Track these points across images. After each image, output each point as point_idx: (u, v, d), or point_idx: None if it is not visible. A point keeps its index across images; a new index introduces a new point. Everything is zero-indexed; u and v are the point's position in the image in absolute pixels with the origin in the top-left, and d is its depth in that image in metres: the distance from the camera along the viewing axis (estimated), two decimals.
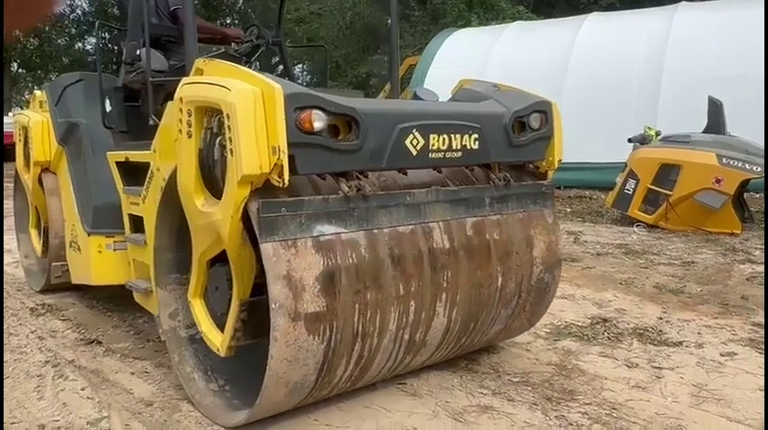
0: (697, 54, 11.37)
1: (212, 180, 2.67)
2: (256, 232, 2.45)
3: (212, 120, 2.63)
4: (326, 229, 2.57)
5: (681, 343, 3.94)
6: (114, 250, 4.01)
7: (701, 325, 4.30)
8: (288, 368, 2.50)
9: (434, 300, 2.92)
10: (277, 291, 2.40)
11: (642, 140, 9.25)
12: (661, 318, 4.46)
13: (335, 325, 2.56)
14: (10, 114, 20.56)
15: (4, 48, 30.78)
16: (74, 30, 32.32)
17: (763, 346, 3.83)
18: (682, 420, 2.94)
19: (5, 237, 7.41)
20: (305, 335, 2.48)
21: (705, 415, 3.00)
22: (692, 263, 6.28)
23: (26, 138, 4.92)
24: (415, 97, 3.63)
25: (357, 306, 2.62)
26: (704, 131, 8.19)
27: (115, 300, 4.77)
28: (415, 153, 2.81)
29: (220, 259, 2.83)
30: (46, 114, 4.75)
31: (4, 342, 3.98)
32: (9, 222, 7.43)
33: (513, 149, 3.20)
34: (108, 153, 3.93)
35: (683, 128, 8.64)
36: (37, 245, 5.30)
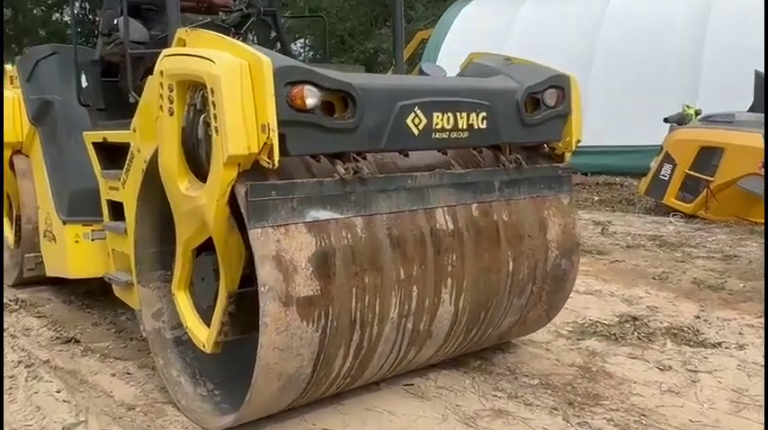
0: (743, 23, 11.24)
1: (197, 161, 2.73)
2: (244, 217, 2.52)
3: (196, 95, 2.69)
4: (320, 215, 2.63)
5: (720, 344, 3.97)
6: (92, 240, 4.08)
7: (743, 324, 4.33)
8: (280, 358, 2.57)
9: (439, 286, 2.98)
10: (266, 273, 2.47)
11: (680, 120, 9.22)
12: (698, 317, 4.50)
13: (331, 310, 2.63)
14: None
15: None
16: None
17: None
18: (719, 428, 2.97)
19: None
20: (297, 322, 2.54)
21: (745, 423, 3.02)
22: (735, 256, 6.29)
23: None
24: (421, 73, 3.66)
25: (354, 290, 2.69)
26: (749, 110, 8.15)
27: (94, 294, 4.86)
28: (417, 133, 2.86)
29: (206, 248, 2.90)
30: (17, 91, 4.82)
31: None
32: None
33: (525, 129, 3.23)
34: (84, 133, 4.00)
35: (725, 106, 8.60)
36: (9, 235, 5.39)
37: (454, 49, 13.49)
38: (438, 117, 2.90)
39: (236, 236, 2.72)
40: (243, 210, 2.52)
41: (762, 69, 8.21)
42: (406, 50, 14.46)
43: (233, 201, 2.58)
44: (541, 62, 3.52)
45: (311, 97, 2.53)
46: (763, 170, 7.33)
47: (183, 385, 3.20)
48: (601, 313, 4.56)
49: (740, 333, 4.16)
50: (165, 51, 2.89)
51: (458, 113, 2.97)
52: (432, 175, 2.99)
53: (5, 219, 5.48)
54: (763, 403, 3.17)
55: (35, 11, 32.47)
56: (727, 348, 3.91)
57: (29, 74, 4.68)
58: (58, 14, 32.71)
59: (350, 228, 2.70)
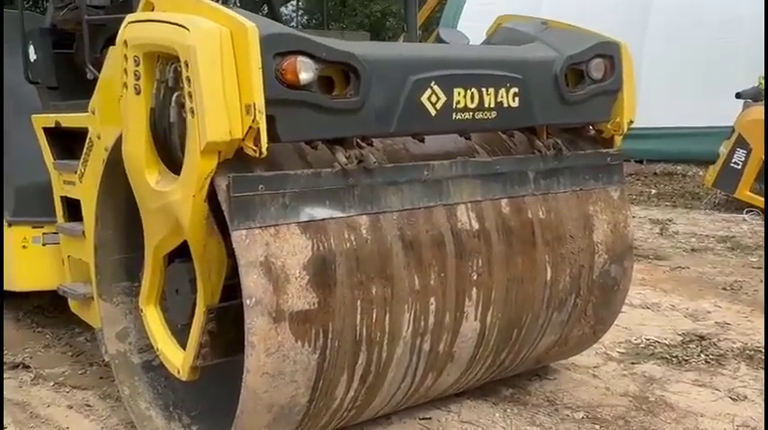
0: None
1: (169, 149, 2.75)
2: (226, 216, 2.53)
3: (167, 70, 2.70)
4: (318, 213, 2.64)
5: None
6: (43, 244, 4.12)
7: None
8: (270, 385, 2.58)
9: (462, 298, 2.99)
10: (252, 283, 2.48)
11: (756, 96, 9.18)
12: None
13: (331, 327, 2.64)
14: None
15: None
16: None
17: None
18: None
19: None
20: (291, 341, 2.56)
21: None
22: None
23: None
24: (439, 40, 3.67)
25: (359, 303, 2.70)
26: None
27: (46, 310, 4.91)
28: (434, 113, 2.87)
29: (181, 254, 2.92)
30: None
31: None
32: None
33: (566, 107, 3.24)
34: (33, 116, 4.03)
35: None
36: None
37: (478, 11, 13.47)
38: (459, 94, 2.91)
39: (217, 238, 2.73)
40: (224, 208, 2.53)
41: None
42: (420, 13, 14.47)
43: (212, 196, 2.59)
44: (575, 26, 3.51)
45: (306, 71, 2.54)
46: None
47: (153, 419, 3.23)
48: (660, 331, 4.57)
49: None
50: (129, 17, 2.90)
51: (483, 89, 2.97)
52: (452, 165, 2.99)
53: None
54: None
55: None
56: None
57: None
58: None
59: (353, 228, 2.72)
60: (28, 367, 4.12)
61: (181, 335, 3.04)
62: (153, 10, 2.90)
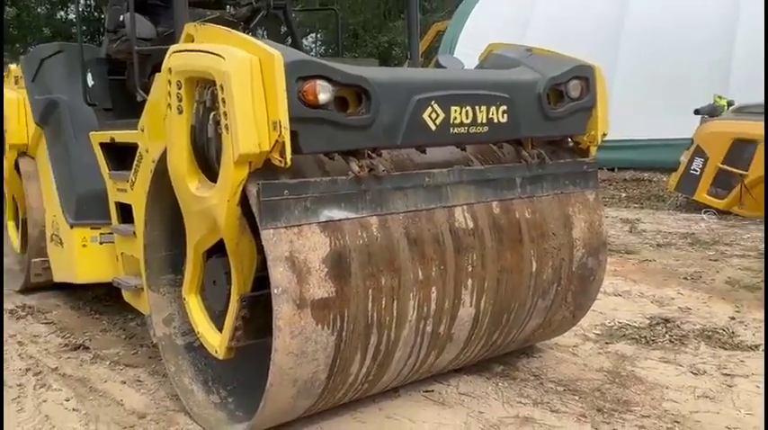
0: None
1: (207, 161, 2.76)
2: (256, 218, 2.54)
3: (205, 92, 2.71)
4: (335, 214, 2.64)
5: (757, 346, 3.94)
6: (100, 243, 4.13)
7: None
8: (294, 363, 2.58)
9: (459, 287, 2.98)
10: (279, 275, 2.49)
11: (712, 112, 9.16)
12: (733, 319, 4.46)
13: (347, 313, 2.64)
14: None
15: None
16: None
17: None
18: None
19: None
20: (312, 325, 2.56)
21: None
22: None
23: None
24: (438, 66, 3.66)
25: (370, 292, 2.70)
26: None
27: (103, 300, 4.91)
28: (434, 128, 2.86)
29: (218, 250, 2.92)
30: (22, 91, 4.88)
31: None
32: None
33: (548, 122, 3.22)
34: (91, 133, 4.03)
35: (759, 97, 8.50)
36: (15, 239, 5.47)
37: (471, 41, 13.46)
38: (456, 111, 2.90)
39: (248, 237, 2.74)
40: (255, 211, 2.54)
41: None
42: (421, 43, 14.47)
43: (244, 201, 2.60)
44: (564, 53, 3.50)
45: (324, 92, 2.54)
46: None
47: (195, 393, 3.23)
48: (630, 315, 4.54)
49: None
50: (172, 48, 2.92)
51: (477, 107, 2.96)
52: (450, 172, 2.99)
53: (11, 223, 5.55)
54: None
55: (39, 8, 32.90)
56: (764, 351, 3.87)
57: (34, 73, 4.74)
58: (62, 12, 33.12)
59: (365, 227, 2.71)
60: (87, 348, 4.12)
61: (218, 321, 3.05)
62: (193, 41, 2.91)
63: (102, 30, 4.74)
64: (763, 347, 3.92)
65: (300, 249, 2.54)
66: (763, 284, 5.20)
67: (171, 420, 3.17)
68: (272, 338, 2.56)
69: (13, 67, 5.44)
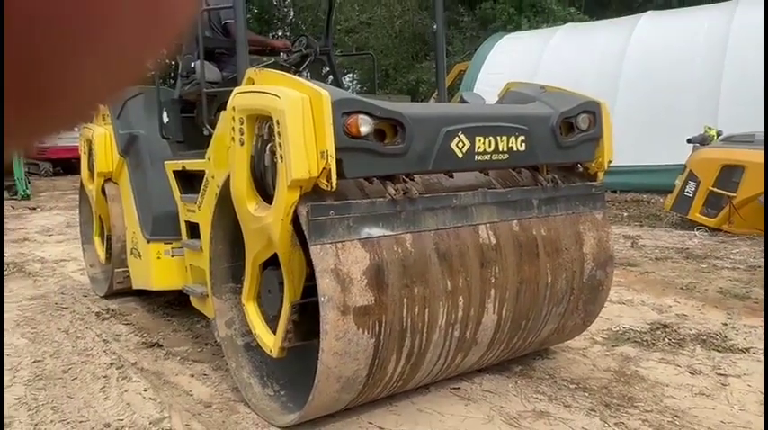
0: (760, 50, 10.92)
1: (264, 185, 2.77)
2: (306, 235, 2.53)
3: (263, 127, 2.72)
4: (374, 232, 2.62)
5: (747, 349, 3.80)
6: (172, 256, 4.16)
7: None
8: (339, 362, 2.56)
9: (483, 296, 2.94)
10: (325, 285, 2.47)
11: (702, 141, 8.96)
12: (726, 324, 4.32)
13: (384, 319, 2.61)
14: (76, 129, 21.72)
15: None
16: None
17: None
18: (750, 429, 2.83)
19: (70, 246, 7.80)
20: (354, 329, 2.53)
21: None
22: (758, 267, 6.02)
23: (90, 150, 5.17)
24: (462, 101, 3.64)
25: (405, 300, 2.67)
26: None
27: (174, 304, 4.95)
28: (460, 155, 2.83)
29: (272, 263, 2.92)
30: (108, 127, 4.97)
31: (73, 346, 4.18)
32: (74, 232, 7.82)
33: (560, 150, 3.18)
34: (166, 162, 4.10)
35: (745, 127, 8.31)
36: (101, 252, 5.55)
37: (489, 79, 13.45)
38: (480, 141, 2.88)
39: (299, 252, 2.73)
40: (304, 229, 2.53)
41: None
42: (445, 80, 14.45)
43: (296, 220, 2.59)
44: (571, 90, 3.46)
45: (365, 125, 2.54)
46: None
47: (252, 386, 3.22)
48: (633, 321, 4.42)
49: None
50: (236, 90, 2.94)
51: (498, 137, 2.93)
52: (475, 194, 2.95)
53: (97, 239, 5.64)
54: None
55: None
56: (754, 353, 3.74)
57: (118, 112, 4.83)
58: None
59: (400, 243, 2.68)
60: (161, 346, 4.15)
61: (272, 324, 3.04)
62: (253, 83, 2.93)
63: (175, 75, 4.81)
64: (753, 350, 3.79)
65: (344, 262, 2.52)
66: (751, 294, 5.04)
67: (232, 409, 3.17)
68: (319, 340, 2.54)
69: (101, 106, 5.54)
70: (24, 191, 14.20)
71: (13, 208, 12.73)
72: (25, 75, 0.28)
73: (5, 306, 5.23)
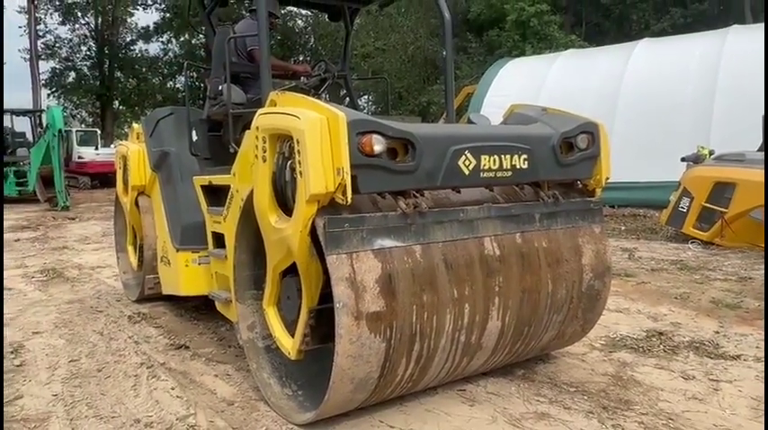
0: (750, 73, 10.85)
1: (284, 199, 2.78)
2: (323, 246, 2.54)
3: (284, 145, 2.75)
4: (386, 243, 2.63)
5: (739, 356, 3.76)
6: (199, 264, 4.17)
7: (760, 339, 4.08)
8: (352, 364, 2.56)
9: (488, 304, 2.92)
10: (340, 292, 2.48)
11: (696, 160, 8.92)
12: (718, 332, 4.26)
13: (395, 324, 2.61)
14: (112, 146, 22.20)
15: (108, 87, 33.06)
16: (166, 70, 34.44)
17: None
18: None
19: (105, 254, 7.88)
20: (367, 333, 2.53)
21: None
22: (749, 278, 5.96)
23: (125, 165, 5.23)
24: (469, 122, 3.65)
25: (414, 307, 2.66)
26: (759, 150, 7.79)
27: (200, 309, 4.96)
28: (467, 173, 2.84)
29: (291, 271, 2.93)
30: (142, 144, 5.03)
31: (107, 346, 4.21)
32: (110, 240, 7.90)
33: (561, 168, 3.18)
34: (194, 177, 4.14)
35: (736, 147, 8.27)
36: (133, 260, 5.60)
37: (496, 101, 13.48)
38: (485, 159, 2.88)
39: (316, 261, 2.74)
40: (321, 240, 2.54)
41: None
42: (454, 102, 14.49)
43: (313, 232, 2.61)
44: (572, 111, 3.46)
45: (378, 144, 2.55)
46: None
47: (272, 386, 3.22)
48: (630, 328, 4.38)
49: (757, 347, 3.92)
50: (259, 111, 2.97)
51: (503, 156, 2.94)
52: (480, 209, 2.95)
53: (130, 247, 5.69)
54: None
55: (154, 79, 34.48)
56: (745, 360, 3.69)
57: (151, 131, 4.87)
58: (171, 82, 34.68)
59: (410, 254, 2.69)
60: (188, 347, 4.16)
61: (290, 328, 3.04)
62: (275, 105, 2.96)
63: (204, 97, 4.86)
64: (744, 356, 3.74)
65: (358, 271, 2.52)
66: (742, 304, 4.98)
67: (253, 407, 3.17)
68: (334, 344, 2.54)
69: (135, 125, 5.62)
70: (64, 202, 14.38)
71: (54, 218, 12.89)
72: None
73: (45, 309, 5.29)
